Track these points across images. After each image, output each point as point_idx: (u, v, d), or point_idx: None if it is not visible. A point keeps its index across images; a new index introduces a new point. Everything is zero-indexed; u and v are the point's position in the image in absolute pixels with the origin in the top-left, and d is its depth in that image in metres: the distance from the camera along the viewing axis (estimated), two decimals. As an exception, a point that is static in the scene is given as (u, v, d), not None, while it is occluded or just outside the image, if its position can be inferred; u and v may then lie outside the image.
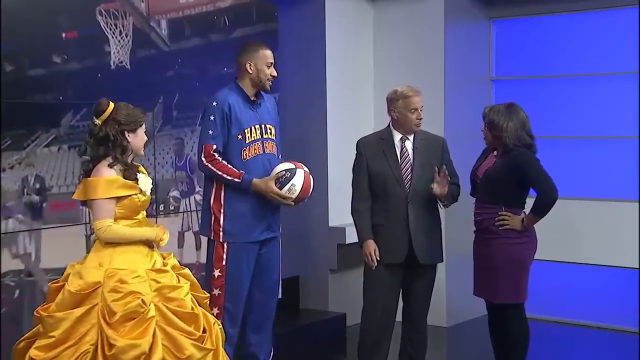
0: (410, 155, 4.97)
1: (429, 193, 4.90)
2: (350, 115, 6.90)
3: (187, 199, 6.09)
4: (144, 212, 4.04)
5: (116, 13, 5.41)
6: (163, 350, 3.73)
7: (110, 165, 3.89)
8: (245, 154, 4.66)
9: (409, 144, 4.99)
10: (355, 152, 5.06)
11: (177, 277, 3.99)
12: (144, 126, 3.99)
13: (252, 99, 4.72)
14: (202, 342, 3.85)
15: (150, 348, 3.70)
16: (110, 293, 3.74)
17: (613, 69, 6.78)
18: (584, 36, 6.94)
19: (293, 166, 4.62)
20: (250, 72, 4.69)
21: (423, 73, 6.83)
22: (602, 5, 6.75)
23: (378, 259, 4.89)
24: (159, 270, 3.92)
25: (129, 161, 3.96)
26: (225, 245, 4.65)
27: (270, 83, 4.74)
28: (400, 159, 4.96)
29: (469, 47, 7.10)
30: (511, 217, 4.81)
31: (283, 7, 6.68)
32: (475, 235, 5.01)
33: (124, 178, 3.88)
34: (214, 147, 4.59)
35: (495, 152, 4.96)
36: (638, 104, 6.57)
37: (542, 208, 4.82)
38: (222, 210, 4.66)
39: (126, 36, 5.49)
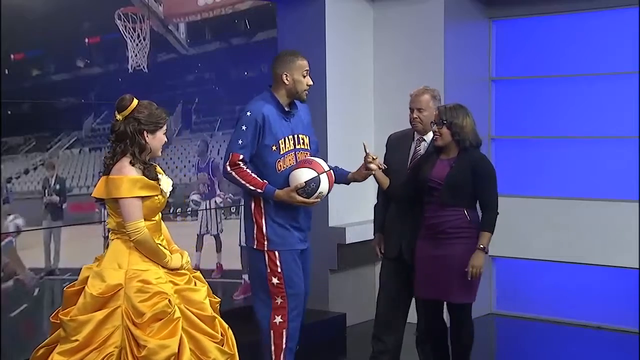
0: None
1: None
2: (351, 115, 6.90)
3: (207, 202, 6.14)
4: (160, 214, 4.00)
5: (134, 17, 5.42)
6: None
7: (131, 163, 3.83)
8: (280, 165, 4.63)
9: (424, 145, 5.07)
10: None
11: (194, 280, 3.97)
12: (164, 128, 3.93)
13: (287, 109, 4.69)
14: (223, 345, 3.85)
15: (179, 349, 3.69)
16: (137, 294, 3.71)
17: (613, 69, 6.77)
18: (584, 36, 6.93)
19: (315, 173, 4.55)
20: (287, 83, 4.63)
21: (423, 73, 6.83)
22: (602, 5, 6.75)
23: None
24: (175, 273, 3.90)
25: (147, 160, 3.89)
26: (276, 253, 4.63)
27: (307, 93, 4.70)
28: (412, 157, 5.04)
29: (469, 47, 7.09)
30: (475, 260, 4.73)
31: (282, 8, 6.69)
32: (424, 238, 4.90)
33: (146, 177, 3.83)
34: (241, 157, 4.55)
35: (443, 156, 4.87)
36: (638, 104, 6.57)
37: (493, 223, 4.79)
38: (263, 218, 4.64)
39: (144, 39, 5.49)
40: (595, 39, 6.87)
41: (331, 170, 4.66)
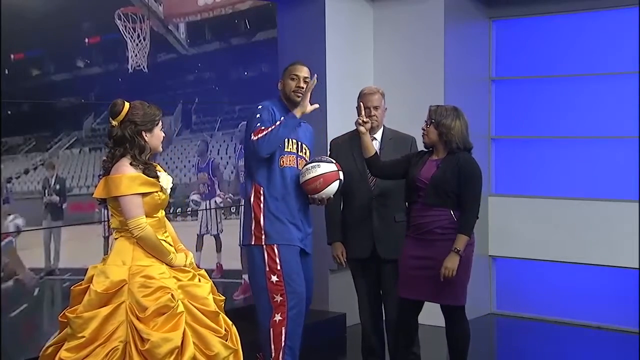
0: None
1: (394, 190, 5.05)
2: (350, 115, 6.87)
3: (207, 202, 6.15)
4: (163, 211, 4.03)
5: (134, 17, 5.43)
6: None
7: (130, 163, 3.87)
8: (283, 161, 4.70)
9: (375, 144, 5.13)
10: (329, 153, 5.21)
11: (198, 277, 4.01)
12: (159, 124, 3.97)
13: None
14: (226, 340, 3.88)
15: (182, 343, 3.72)
16: (140, 289, 3.75)
17: (613, 69, 6.77)
18: (584, 36, 6.94)
19: (332, 161, 4.72)
20: (280, 89, 4.81)
21: (423, 73, 6.85)
22: (602, 5, 6.75)
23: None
24: (179, 269, 3.94)
25: (147, 159, 3.94)
26: (275, 248, 4.65)
27: (298, 94, 4.74)
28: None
29: (469, 47, 7.10)
30: (448, 262, 4.70)
31: (283, 8, 6.69)
32: (410, 237, 4.89)
33: (145, 175, 3.87)
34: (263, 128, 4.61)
35: (434, 157, 4.89)
36: (638, 104, 6.57)
37: (471, 226, 4.77)
38: (262, 212, 4.66)
39: (144, 39, 5.50)
40: (595, 39, 6.87)
41: (339, 181, 4.69)
